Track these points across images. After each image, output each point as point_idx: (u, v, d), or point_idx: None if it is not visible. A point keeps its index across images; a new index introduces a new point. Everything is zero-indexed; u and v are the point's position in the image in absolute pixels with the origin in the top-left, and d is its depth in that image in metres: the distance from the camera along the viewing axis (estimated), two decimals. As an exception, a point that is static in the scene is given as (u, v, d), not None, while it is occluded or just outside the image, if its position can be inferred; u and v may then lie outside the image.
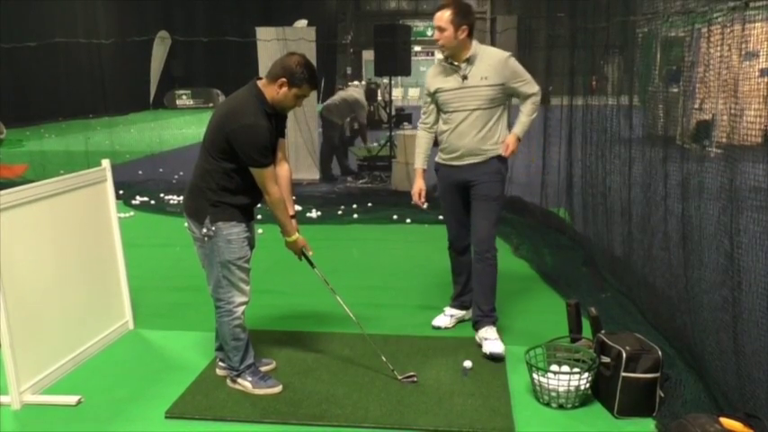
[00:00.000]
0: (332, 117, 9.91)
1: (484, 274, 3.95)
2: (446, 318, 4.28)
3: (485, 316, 3.94)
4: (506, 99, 3.91)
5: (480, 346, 3.87)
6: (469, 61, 3.79)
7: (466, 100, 3.81)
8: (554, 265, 5.40)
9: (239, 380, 3.44)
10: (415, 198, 4.13)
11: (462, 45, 3.77)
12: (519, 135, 3.90)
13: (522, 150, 4.39)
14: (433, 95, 3.95)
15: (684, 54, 3.92)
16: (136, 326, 4.33)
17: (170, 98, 26.98)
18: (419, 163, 4.16)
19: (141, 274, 5.01)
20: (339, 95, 10.26)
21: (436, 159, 4.11)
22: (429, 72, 4.04)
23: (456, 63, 3.82)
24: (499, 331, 3.94)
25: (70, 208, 3.78)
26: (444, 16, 3.72)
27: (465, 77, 3.80)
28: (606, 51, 5.48)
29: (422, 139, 4.14)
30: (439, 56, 4.12)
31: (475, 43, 3.82)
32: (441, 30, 3.75)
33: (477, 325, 3.99)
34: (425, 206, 4.20)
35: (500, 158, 3.90)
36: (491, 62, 3.78)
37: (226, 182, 3.25)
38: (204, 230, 3.27)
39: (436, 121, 4.05)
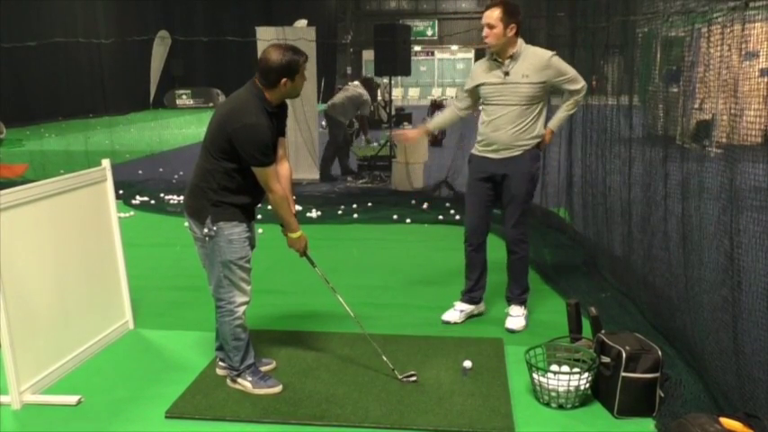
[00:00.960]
0: (337, 116, 9.89)
1: (514, 265, 4.26)
2: (456, 312, 4.33)
3: (514, 297, 4.29)
4: (546, 96, 4.07)
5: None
6: (513, 58, 3.94)
7: (506, 95, 3.96)
8: (554, 265, 5.40)
9: (239, 380, 3.44)
10: (398, 133, 4.51)
11: (509, 42, 3.92)
12: (554, 129, 4.18)
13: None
14: (476, 88, 4.10)
15: (684, 54, 3.92)
16: (136, 325, 4.33)
17: (170, 98, 26.98)
18: (431, 124, 4.51)
19: (141, 273, 5.01)
20: (344, 95, 10.18)
21: (472, 151, 4.26)
22: (476, 65, 4.21)
23: (500, 59, 3.97)
24: (527, 307, 4.33)
25: (70, 208, 3.78)
26: (494, 14, 3.87)
27: (507, 73, 3.95)
28: (606, 51, 5.47)
29: (447, 110, 4.40)
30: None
31: (521, 42, 3.96)
32: (490, 27, 3.89)
33: (507, 301, 4.34)
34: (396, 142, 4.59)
35: (532, 155, 4.06)
36: (533, 61, 3.92)
37: (227, 182, 3.25)
38: (206, 230, 3.27)
39: (467, 108, 4.25)
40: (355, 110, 10.19)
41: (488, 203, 4.20)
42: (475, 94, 4.13)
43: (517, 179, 4.04)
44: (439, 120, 4.47)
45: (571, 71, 4.01)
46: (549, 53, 3.98)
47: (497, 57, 3.97)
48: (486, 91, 4.03)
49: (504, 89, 3.96)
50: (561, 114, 4.14)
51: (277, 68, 3.18)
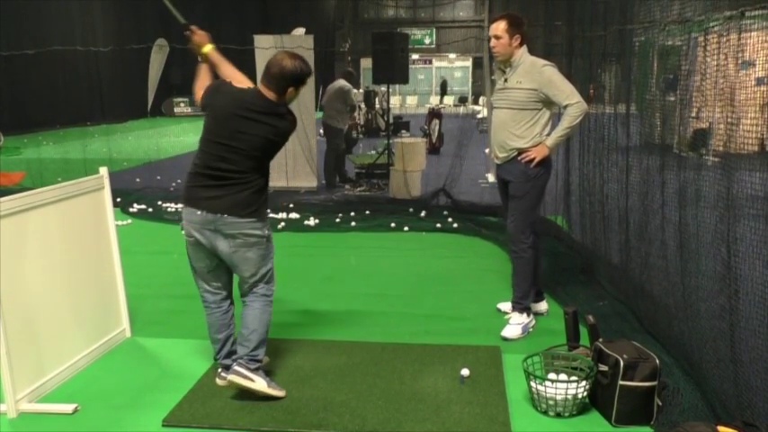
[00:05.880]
0: (332, 122, 9.86)
1: (515, 266, 4.37)
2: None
3: (514, 302, 4.35)
4: (542, 105, 4.11)
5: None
6: (512, 66, 4.13)
7: (503, 100, 4.19)
8: (551, 273, 5.40)
9: (256, 376, 3.35)
10: None
11: (512, 52, 4.11)
12: (548, 144, 4.12)
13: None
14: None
15: (681, 63, 3.94)
16: (133, 334, 4.32)
17: (168, 106, 26.98)
18: None
19: (139, 281, 5.00)
20: (328, 94, 10.00)
21: None
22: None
23: (503, 68, 4.21)
24: (528, 314, 4.34)
25: (68, 216, 3.78)
26: (500, 26, 4.09)
27: (506, 80, 4.18)
28: (603, 60, 5.49)
29: None
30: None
31: (522, 51, 4.11)
32: (497, 38, 4.10)
33: (512, 307, 4.42)
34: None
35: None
36: (527, 68, 4.09)
37: (263, 184, 3.41)
38: (266, 231, 3.43)
39: None
40: (344, 105, 9.96)
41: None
42: None
43: (514, 180, 4.23)
44: None
45: (563, 86, 4.01)
46: (542, 62, 4.11)
47: (502, 65, 4.19)
48: (493, 97, 4.31)
49: (504, 94, 4.17)
50: (555, 133, 4.09)
51: (289, 76, 3.28)
